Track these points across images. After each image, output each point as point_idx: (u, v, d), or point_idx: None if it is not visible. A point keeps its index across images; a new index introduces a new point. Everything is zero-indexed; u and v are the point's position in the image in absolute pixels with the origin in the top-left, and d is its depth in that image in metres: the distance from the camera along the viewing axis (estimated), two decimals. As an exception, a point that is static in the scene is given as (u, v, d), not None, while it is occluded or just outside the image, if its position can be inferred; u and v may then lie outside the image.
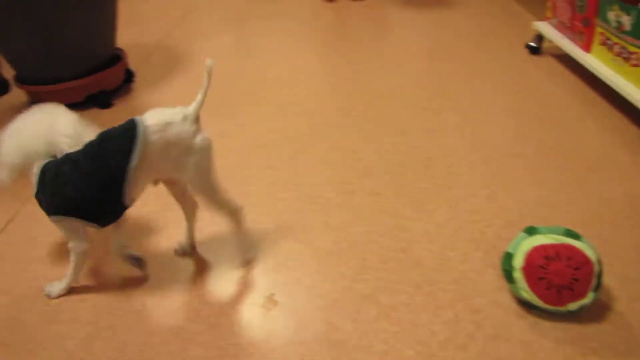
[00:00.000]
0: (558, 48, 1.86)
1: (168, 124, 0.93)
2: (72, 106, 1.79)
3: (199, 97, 0.97)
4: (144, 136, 0.92)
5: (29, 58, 1.73)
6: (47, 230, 1.21)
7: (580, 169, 1.32)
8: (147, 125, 0.92)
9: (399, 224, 1.17)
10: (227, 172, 1.38)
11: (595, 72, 1.59)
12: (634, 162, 1.34)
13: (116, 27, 1.94)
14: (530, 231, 0.94)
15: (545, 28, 1.91)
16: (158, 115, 0.94)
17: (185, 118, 0.95)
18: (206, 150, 0.97)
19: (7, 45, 1.71)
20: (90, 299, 1.03)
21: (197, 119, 0.97)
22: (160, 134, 0.92)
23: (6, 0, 1.58)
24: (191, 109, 0.96)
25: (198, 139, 0.96)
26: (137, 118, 0.94)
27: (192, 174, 0.97)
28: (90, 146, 0.95)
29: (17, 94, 2.03)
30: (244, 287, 1.04)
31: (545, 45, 2.01)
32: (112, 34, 1.91)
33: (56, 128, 0.99)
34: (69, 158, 0.94)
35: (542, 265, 0.88)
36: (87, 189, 0.93)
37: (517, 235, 0.96)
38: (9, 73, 1.96)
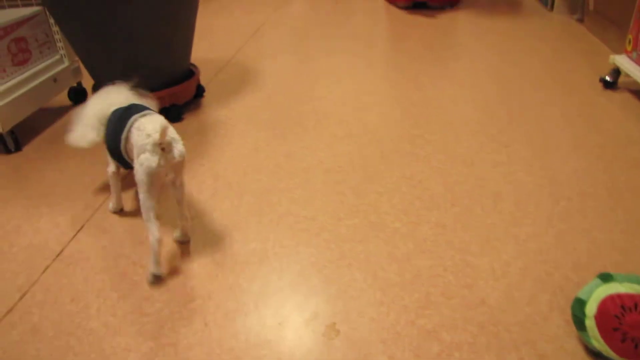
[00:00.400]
0: (634, 83, 1.80)
1: (145, 131, 1.13)
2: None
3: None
4: (130, 126, 1.19)
5: (109, 71, 1.81)
6: (116, 241, 1.27)
7: (656, 213, 1.27)
8: (135, 120, 1.18)
9: (464, 259, 1.16)
10: (292, 194, 1.41)
11: (676, 111, 1.54)
12: None
13: (192, 44, 2.01)
14: (606, 278, 0.91)
15: (623, 62, 1.86)
16: (154, 123, 1.13)
17: (150, 138, 1.11)
18: (140, 168, 1.13)
19: (89, 57, 1.80)
20: (154, 314, 1.06)
21: (154, 146, 1.12)
22: (136, 132, 1.15)
23: (92, 15, 1.66)
24: (156, 138, 1.11)
25: (142, 157, 1.12)
26: (136, 114, 1.20)
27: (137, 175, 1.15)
28: (121, 110, 1.25)
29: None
30: (306, 313, 1.05)
31: (621, 79, 1.95)
32: (188, 50, 1.98)
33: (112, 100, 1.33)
34: (112, 114, 1.29)
35: (617, 315, 0.85)
36: (109, 137, 1.27)
37: (590, 281, 0.94)
38: (87, 82, 2.05)
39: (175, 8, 1.77)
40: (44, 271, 1.20)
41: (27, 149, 1.78)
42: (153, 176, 1.12)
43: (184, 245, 1.26)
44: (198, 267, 1.18)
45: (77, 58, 2.06)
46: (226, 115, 1.90)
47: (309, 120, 1.82)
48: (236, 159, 1.61)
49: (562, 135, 1.64)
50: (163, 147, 1.11)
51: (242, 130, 1.79)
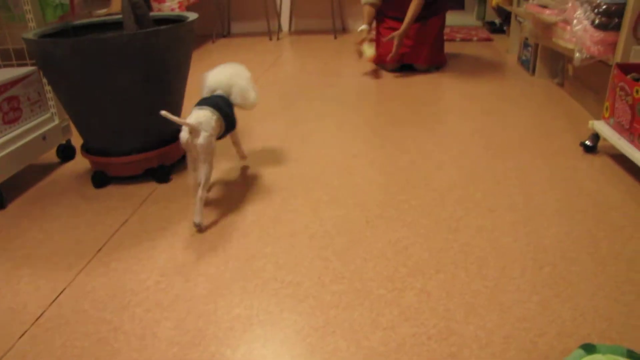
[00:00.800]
0: (614, 147, 1.84)
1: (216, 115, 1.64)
2: (130, 178, 1.90)
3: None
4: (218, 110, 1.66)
5: (98, 132, 1.83)
6: (98, 305, 1.25)
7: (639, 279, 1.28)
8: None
9: (448, 326, 1.15)
10: (277, 259, 1.41)
11: (655, 177, 1.57)
12: (696, 274, 1.30)
13: (182, 105, 2.04)
14: (588, 349, 0.91)
15: (601, 127, 1.91)
16: (192, 116, 1.59)
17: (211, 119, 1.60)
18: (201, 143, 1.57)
19: (79, 117, 1.82)
20: None
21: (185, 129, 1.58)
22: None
23: (83, 79, 1.69)
24: (187, 123, 1.56)
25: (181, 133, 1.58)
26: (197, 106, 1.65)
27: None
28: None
29: (80, 161, 2.14)
30: (290, 383, 1.03)
31: (600, 143, 2.00)
32: (178, 112, 2.01)
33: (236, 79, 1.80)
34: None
35: (599, 389, 0.85)
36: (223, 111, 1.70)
37: (573, 351, 0.94)
38: (76, 141, 2.07)
39: (166, 74, 1.81)
40: (20, 337, 1.18)
41: (11, 207, 1.78)
42: (184, 146, 1.59)
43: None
44: (180, 334, 1.16)
45: (67, 116, 2.08)
46: (213, 177, 1.92)
47: (296, 184, 1.84)
48: (222, 223, 1.61)
49: (545, 200, 1.66)
50: (191, 132, 1.55)
51: (229, 193, 1.80)
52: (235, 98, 1.78)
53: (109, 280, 1.37)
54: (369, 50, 3.25)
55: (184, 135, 1.56)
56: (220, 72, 1.81)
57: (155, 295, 1.30)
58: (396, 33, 3.16)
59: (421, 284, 1.29)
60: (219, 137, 1.71)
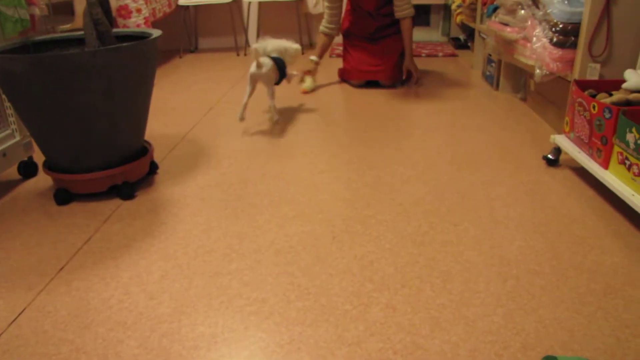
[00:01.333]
0: (574, 161, 1.89)
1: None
2: (94, 195, 1.87)
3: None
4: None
5: (60, 149, 1.80)
6: (59, 325, 1.22)
7: (600, 290, 1.31)
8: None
9: (414, 341, 1.16)
10: (242, 276, 1.40)
11: (614, 190, 1.61)
12: (654, 284, 1.33)
13: (146, 122, 2.02)
14: (549, 362, 0.93)
15: (562, 141, 1.95)
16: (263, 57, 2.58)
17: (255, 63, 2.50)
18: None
19: (41, 135, 1.79)
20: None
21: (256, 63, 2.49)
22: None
23: (45, 97, 1.66)
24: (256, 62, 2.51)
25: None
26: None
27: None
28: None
29: (43, 178, 2.10)
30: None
31: (562, 156, 2.04)
32: (142, 129, 1.99)
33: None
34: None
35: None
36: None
37: (535, 364, 0.95)
38: (39, 157, 2.03)
39: (129, 90, 1.79)
40: (-22, 362, 1.15)
41: (-30, 228, 1.73)
42: (252, 76, 2.50)
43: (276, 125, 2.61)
44: (144, 353, 1.14)
45: (29, 133, 2.04)
46: (179, 194, 1.90)
47: (262, 200, 1.83)
48: (187, 240, 1.59)
49: (509, 213, 1.69)
50: (258, 66, 2.47)
51: (195, 209, 1.78)
52: (286, 57, 2.75)
53: (71, 299, 1.34)
54: (308, 82, 3.32)
55: (252, 69, 2.47)
56: (274, 42, 2.72)
57: (119, 314, 1.28)
58: (406, 64, 3.31)
59: (387, 299, 1.29)
60: (276, 83, 2.66)
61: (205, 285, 1.37)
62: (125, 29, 2.08)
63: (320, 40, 3.45)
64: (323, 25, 3.40)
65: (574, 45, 2.09)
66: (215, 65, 4.29)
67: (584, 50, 2.03)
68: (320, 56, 3.45)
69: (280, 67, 2.63)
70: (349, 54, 3.41)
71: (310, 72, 3.39)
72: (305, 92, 3.27)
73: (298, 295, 1.32)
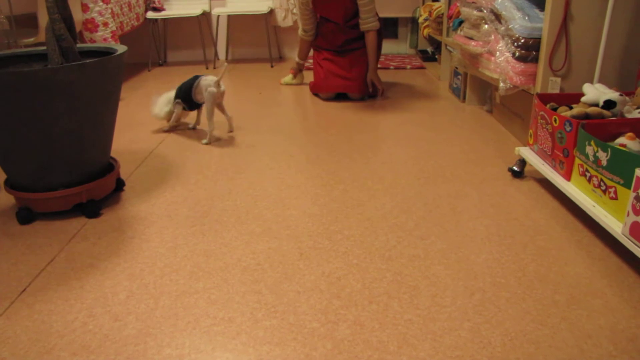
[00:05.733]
0: (539, 172, 1.92)
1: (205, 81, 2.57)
2: (58, 214, 1.83)
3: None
4: (198, 80, 2.60)
5: (22, 167, 1.76)
6: (19, 352, 1.19)
7: (564, 301, 1.33)
8: (200, 78, 2.62)
9: (382, 358, 1.16)
10: (209, 295, 1.39)
11: (576, 201, 1.64)
12: (615, 294, 1.35)
13: (112, 139, 1.99)
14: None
15: (527, 153, 1.99)
16: (211, 77, 2.57)
17: (213, 81, 2.54)
18: (208, 94, 2.53)
19: (2, 153, 1.75)
20: None
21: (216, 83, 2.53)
22: (203, 81, 2.57)
23: (7, 114, 1.63)
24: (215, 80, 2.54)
25: (209, 89, 2.52)
26: (200, 76, 2.64)
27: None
28: (188, 80, 2.69)
29: (4, 196, 2.06)
30: None
31: (527, 168, 2.08)
32: (108, 146, 1.96)
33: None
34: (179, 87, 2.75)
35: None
36: (181, 92, 2.70)
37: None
38: (0, 175, 1.98)
39: (93, 107, 1.76)
40: None
41: None
42: (213, 96, 2.52)
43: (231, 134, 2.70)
44: (107, 380, 1.12)
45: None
46: (146, 211, 1.88)
47: (229, 217, 1.82)
48: (154, 258, 1.57)
49: (475, 226, 1.71)
50: (218, 84, 2.51)
51: (161, 227, 1.76)
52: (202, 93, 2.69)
53: (32, 323, 1.30)
54: (288, 78, 3.89)
55: (217, 88, 2.52)
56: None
57: (83, 337, 1.25)
58: (369, 76, 3.36)
59: (354, 316, 1.29)
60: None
61: (171, 305, 1.35)
62: (90, 44, 2.05)
63: (299, 44, 3.67)
64: (300, 31, 3.59)
65: (535, 60, 2.14)
66: (184, 78, 4.25)
67: (544, 65, 2.07)
68: (302, 58, 3.74)
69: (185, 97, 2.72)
70: (318, 67, 3.43)
71: (292, 70, 3.86)
72: (281, 84, 3.88)
73: (265, 314, 1.31)
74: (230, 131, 2.76)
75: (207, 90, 2.50)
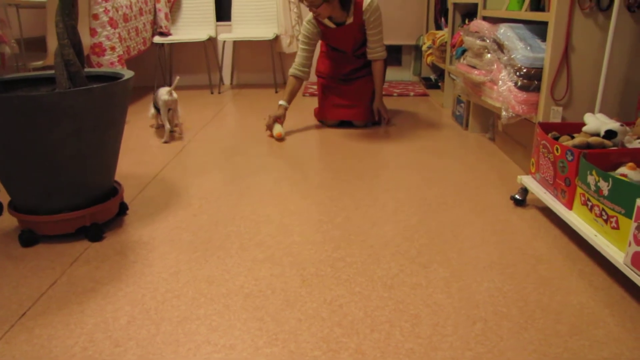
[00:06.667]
0: (541, 201, 1.92)
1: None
2: (61, 237, 1.84)
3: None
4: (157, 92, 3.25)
5: (26, 189, 1.77)
6: None
7: (566, 331, 1.32)
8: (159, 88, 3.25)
9: (383, 387, 1.15)
10: (210, 321, 1.38)
11: (578, 230, 1.64)
12: (618, 324, 1.35)
13: (116, 163, 2.01)
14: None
15: (529, 182, 2.00)
16: (165, 88, 3.12)
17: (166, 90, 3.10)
18: (161, 101, 3.10)
19: (6, 175, 1.77)
20: None
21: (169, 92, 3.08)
22: (159, 91, 3.17)
23: (11, 137, 1.65)
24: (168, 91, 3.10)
25: (163, 96, 3.07)
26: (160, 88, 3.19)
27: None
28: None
29: (8, 218, 2.06)
30: None
31: (529, 196, 2.08)
32: (112, 170, 1.97)
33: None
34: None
35: None
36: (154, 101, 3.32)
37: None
38: (4, 197, 1.99)
39: (99, 131, 1.78)
40: None
41: None
42: (165, 103, 3.03)
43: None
44: (106, 406, 1.11)
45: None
46: (149, 235, 1.88)
47: (232, 243, 1.82)
48: (156, 283, 1.57)
49: (477, 255, 1.71)
50: (170, 93, 3.02)
51: (164, 252, 1.76)
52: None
53: (31, 348, 1.30)
54: (277, 128, 3.15)
55: (168, 96, 3.04)
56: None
57: (82, 363, 1.25)
58: (376, 105, 3.40)
59: (356, 344, 1.29)
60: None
61: (172, 331, 1.35)
62: (97, 69, 2.08)
63: (289, 83, 3.30)
64: (295, 68, 3.28)
65: (537, 89, 2.16)
66: (189, 102, 4.30)
67: (546, 94, 2.09)
68: (289, 101, 3.29)
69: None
70: (323, 94, 3.45)
71: (279, 119, 3.22)
72: (280, 136, 3.13)
73: (266, 342, 1.30)
74: (170, 140, 3.17)
75: (160, 98, 3.06)
